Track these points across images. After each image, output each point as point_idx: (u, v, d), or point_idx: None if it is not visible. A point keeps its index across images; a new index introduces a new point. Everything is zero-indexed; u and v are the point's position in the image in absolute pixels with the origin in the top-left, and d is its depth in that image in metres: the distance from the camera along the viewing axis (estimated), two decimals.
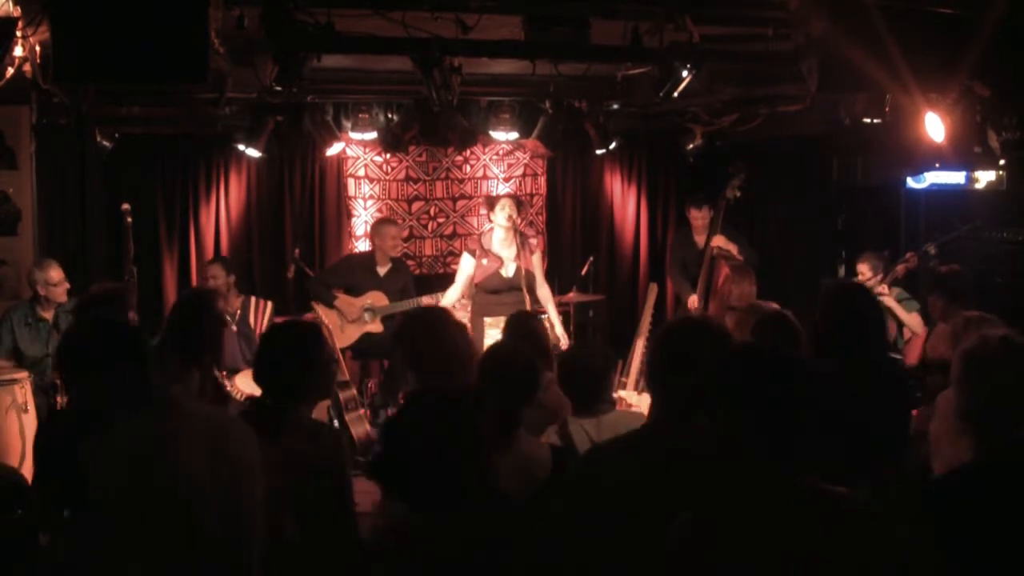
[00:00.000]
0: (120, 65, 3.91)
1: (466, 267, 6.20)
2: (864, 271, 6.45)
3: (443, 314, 3.74)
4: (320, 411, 5.70)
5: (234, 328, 6.53)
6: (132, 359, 2.48)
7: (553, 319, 6.23)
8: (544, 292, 6.30)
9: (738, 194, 6.97)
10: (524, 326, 4.38)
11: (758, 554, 1.88)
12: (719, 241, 6.96)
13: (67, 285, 5.78)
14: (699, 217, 7.23)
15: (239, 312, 6.64)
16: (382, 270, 7.03)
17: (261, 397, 2.99)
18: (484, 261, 6.14)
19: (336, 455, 2.95)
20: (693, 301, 7.06)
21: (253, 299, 6.74)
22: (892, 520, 1.97)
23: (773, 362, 2.02)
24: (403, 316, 4.13)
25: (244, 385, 5.56)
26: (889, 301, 6.13)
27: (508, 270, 6.13)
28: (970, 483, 2.29)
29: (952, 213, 7.01)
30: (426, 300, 6.77)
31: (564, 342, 6.19)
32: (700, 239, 7.22)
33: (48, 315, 5.78)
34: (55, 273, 5.74)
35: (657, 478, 2.31)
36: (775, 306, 4.55)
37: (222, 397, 4.15)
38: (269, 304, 6.76)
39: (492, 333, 6.12)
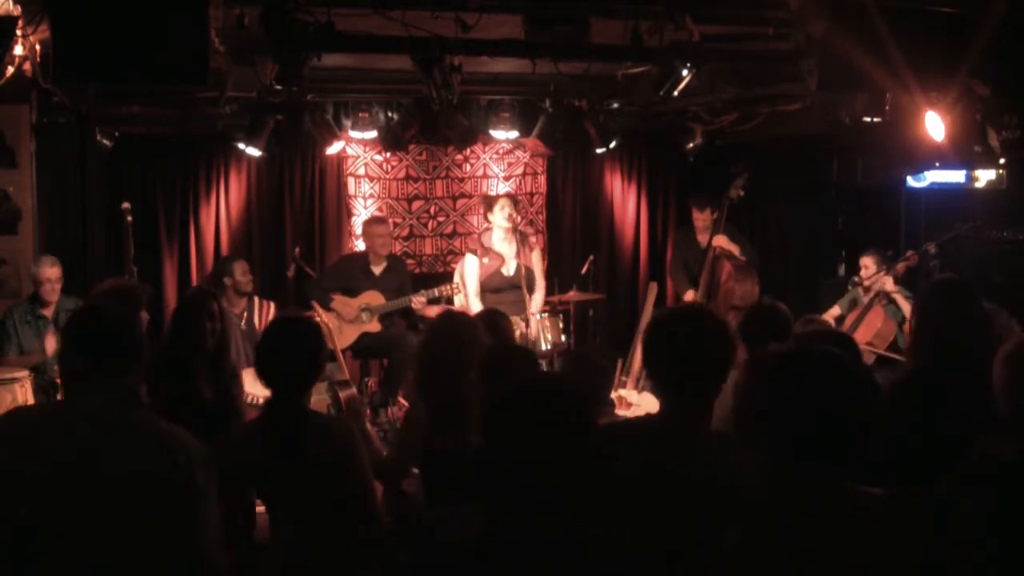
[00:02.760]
0: (120, 65, 3.92)
1: (472, 267, 6.21)
2: (869, 264, 6.46)
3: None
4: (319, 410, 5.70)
5: (243, 327, 6.55)
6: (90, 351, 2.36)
7: (531, 319, 6.26)
8: (537, 293, 6.31)
9: (741, 193, 6.96)
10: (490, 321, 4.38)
11: (803, 559, 1.88)
12: (721, 241, 6.96)
13: (58, 285, 5.77)
14: (702, 218, 7.22)
15: (245, 313, 6.65)
16: (377, 269, 7.02)
17: (273, 396, 3.02)
18: (485, 260, 6.15)
19: (351, 447, 3.00)
20: (690, 295, 7.08)
21: (257, 300, 6.75)
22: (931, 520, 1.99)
23: (823, 365, 1.98)
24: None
25: (246, 385, 5.57)
26: (896, 295, 6.17)
27: (509, 268, 6.14)
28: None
29: (952, 212, 7.02)
30: (417, 299, 6.76)
31: (540, 340, 6.18)
32: (703, 238, 7.21)
33: (48, 312, 5.79)
34: (47, 271, 5.73)
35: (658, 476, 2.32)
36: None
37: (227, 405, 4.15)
38: (272, 305, 6.76)
39: None
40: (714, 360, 2.47)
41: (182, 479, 2.28)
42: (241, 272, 6.63)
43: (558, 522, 1.84)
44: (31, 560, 2.21)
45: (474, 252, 6.22)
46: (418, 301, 6.76)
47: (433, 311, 6.85)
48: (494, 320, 4.17)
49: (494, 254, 6.13)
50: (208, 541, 2.33)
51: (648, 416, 2.57)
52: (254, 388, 5.11)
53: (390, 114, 7.13)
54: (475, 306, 6.23)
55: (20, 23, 4.23)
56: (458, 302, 6.83)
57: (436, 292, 6.71)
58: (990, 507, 2.19)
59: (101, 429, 2.30)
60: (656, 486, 2.33)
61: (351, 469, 2.97)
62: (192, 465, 2.30)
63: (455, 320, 3.71)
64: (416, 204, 8.17)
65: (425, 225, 8.21)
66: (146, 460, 2.28)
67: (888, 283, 6.28)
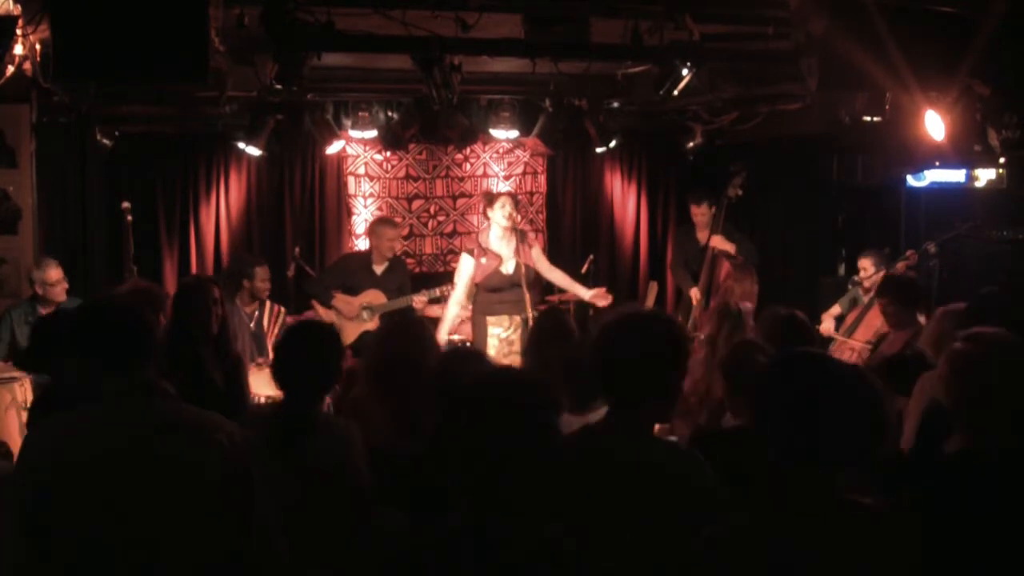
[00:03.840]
0: (120, 64, 3.92)
1: (466, 268, 6.19)
2: (867, 266, 6.46)
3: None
4: None
5: (252, 327, 6.53)
6: (98, 350, 2.35)
7: (579, 291, 6.35)
8: (555, 275, 6.34)
9: (740, 192, 6.98)
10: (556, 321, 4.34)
11: (800, 565, 1.88)
12: (717, 241, 6.98)
13: (65, 285, 5.78)
14: (700, 214, 7.23)
15: (256, 313, 6.63)
16: (379, 268, 7.02)
17: (285, 400, 3.01)
18: (483, 260, 6.13)
19: (352, 449, 2.98)
20: (695, 293, 7.09)
21: (268, 303, 6.72)
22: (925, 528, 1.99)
23: (823, 368, 1.99)
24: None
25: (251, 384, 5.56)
26: None
27: (508, 267, 6.13)
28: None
29: (952, 211, 7.02)
30: (418, 298, 6.76)
31: (596, 296, 6.24)
32: (703, 236, 7.22)
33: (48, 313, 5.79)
34: (53, 272, 5.74)
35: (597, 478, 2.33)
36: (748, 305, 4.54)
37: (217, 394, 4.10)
38: (283, 310, 6.72)
39: (495, 332, 6.13)
40: (673, 365, 2.47)
41: (239, 464, 2.29)
42: (262, 278, 6.40)
43: (515, 522, 1.84)
44: (100, 561, 2.19)
45: (470, 252, 6.21)
46: (419, 301, 6.76)
47: (434, 311, 6.85)
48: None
49: (492, 254, 6.12)
50: (268, 523, 2.33)
51: (598, 422, 2.51)
52: (259, 388, 5.11)
53: (390, 113, 7.13)
54: (451, 312, 6.24)
55: (20, 22, 4.23)
56: None
57: (437, 292, 6.70)
58: (950, 506, 2.21)
59: (154, 428, 2.28)
60: (624, 486, 2.32)
61: (350, 470, 2.96)
62: (242, 449, 2.30)
63: (409, 321, 3.70)
64: (416, 203, 8.18)
65: (425, 224, 8.21)
66: (205, 451, 2.27)
67: None
